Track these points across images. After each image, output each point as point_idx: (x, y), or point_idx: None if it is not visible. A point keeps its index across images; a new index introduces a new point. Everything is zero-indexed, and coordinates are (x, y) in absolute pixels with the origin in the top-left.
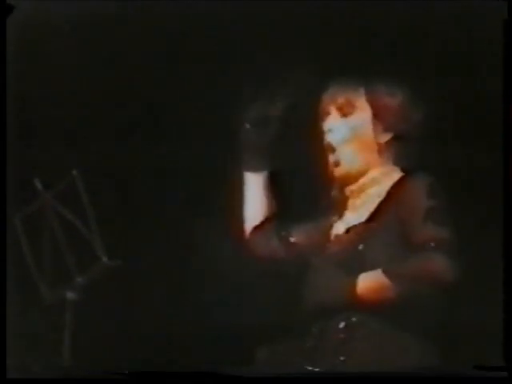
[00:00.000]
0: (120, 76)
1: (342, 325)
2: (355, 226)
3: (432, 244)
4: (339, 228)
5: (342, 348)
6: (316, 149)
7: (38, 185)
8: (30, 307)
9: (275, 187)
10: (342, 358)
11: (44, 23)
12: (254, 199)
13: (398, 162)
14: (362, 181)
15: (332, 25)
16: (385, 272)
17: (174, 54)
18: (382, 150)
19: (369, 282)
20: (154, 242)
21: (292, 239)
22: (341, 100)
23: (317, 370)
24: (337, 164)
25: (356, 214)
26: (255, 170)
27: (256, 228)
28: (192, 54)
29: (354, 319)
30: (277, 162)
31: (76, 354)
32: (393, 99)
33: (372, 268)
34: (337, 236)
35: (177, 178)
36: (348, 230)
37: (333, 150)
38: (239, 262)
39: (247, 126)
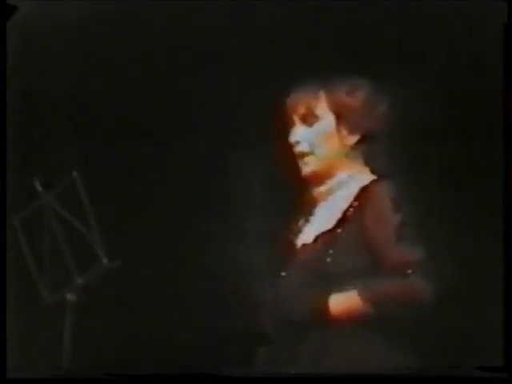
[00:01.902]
0: (120, 76)
1: (313, 339)
2: (322, 234)
3: (406, 269)
4: (308, 236)
5: (318, 359)
6: (285, 158)
7: (38, 185)
8: (30, 308)
9: None
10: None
11: (44, 23)
12: None
13: (368, 162)
14: (329, 183)
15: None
16: (360, 294)
17: (175, 54)
18: (350, 151)
19: (342, 302)
20: (154, 243)
21: None
22: (302, 110)
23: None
24: (305, 163)
25: (322, 220)
26: None
27: None
28: (192, 54)
29: (327, 333)
30: None
31: (76, 355)
32: (354, 98)
33: (339, 282)
34: (304, 245)
35: (177, 178)
36: (316, 239)
37: (303, 156)
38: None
39: None
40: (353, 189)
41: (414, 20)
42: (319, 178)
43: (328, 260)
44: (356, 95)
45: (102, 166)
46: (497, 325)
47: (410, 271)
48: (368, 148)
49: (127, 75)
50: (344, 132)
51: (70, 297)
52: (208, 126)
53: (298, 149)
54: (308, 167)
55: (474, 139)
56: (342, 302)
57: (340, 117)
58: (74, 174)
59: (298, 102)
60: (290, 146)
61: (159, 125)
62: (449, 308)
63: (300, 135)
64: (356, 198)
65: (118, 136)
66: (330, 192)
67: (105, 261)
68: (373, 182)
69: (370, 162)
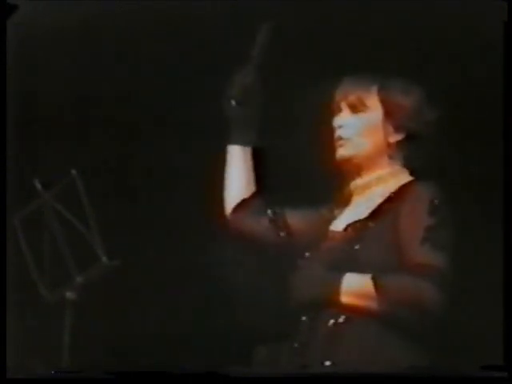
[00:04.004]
0: (120, 76)
1: (330, 323)
2: (353, 223)
3: (425, 272)
4: (338, 224)
5: (330, 348)
6: (324, 142)
7: (38, 185)
8: (30, 307)
9: (261, 163)
10: (328, 362)
11: (44, 23)
12: (238, 175)
13: (408, 163)
14: (367, 177)
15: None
16: (373, 280)
17: (174, 54)
18: (392, 149)
19: (355, 285)
20: (153, 242)
21: (286, 220)
22: (352, 97)
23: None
24: (341, 145)
25: (357, 211)
26: (241, 143)
27: (240, 205)
28: (192, 54)
29: (342, 318)
30: (263, 137)
31: (75, 354)
32: (406, 99)
33: (363, 270)
34: (333, 232)
35: (177, 178)
36: (346, 228)
37: (341, 140)
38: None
39: (233, 103)
40: (391, 186)
41: (413, 20)
42: (355, 168)
43: (356, 248)
44: (409, 97)
45: (102, 165)
46: (497, 325)
47: (426, 275)
48: (409, 149)
49: (127, 75)
50: (390, 129)
51: (69, 295)
52: (210, 126)
53: (339, 133)
54: (343, 150)
55: (473, 140)
56: (355, 282)
57: (388, 113)
58: (74, 172)
59: (349, 90)
60: (332, 133)
61: (159, 124)
62: (449, 307)
63: (344, 120)
64: (393, 195)
65: (118, 136)
66: (367, 186)
67: (104, 260)
68: (412, 182)
69: (409, 163)
